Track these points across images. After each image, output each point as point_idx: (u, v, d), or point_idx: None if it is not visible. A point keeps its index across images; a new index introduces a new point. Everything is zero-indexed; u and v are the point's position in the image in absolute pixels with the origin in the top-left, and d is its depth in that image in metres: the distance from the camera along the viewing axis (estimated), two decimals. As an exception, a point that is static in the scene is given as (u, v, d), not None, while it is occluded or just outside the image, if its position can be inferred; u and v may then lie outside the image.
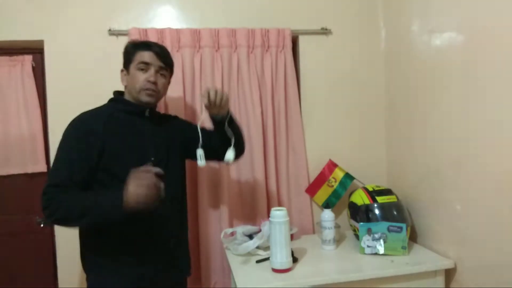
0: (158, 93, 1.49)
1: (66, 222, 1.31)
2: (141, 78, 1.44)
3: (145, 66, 1.45)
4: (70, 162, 1.31)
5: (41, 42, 1.89)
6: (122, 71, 1.52)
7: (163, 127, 1.56)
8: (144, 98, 1.45)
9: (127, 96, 1.50)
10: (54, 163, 1.34)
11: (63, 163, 1.32)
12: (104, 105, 1.50)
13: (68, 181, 1.28)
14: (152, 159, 1.43)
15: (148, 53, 1.46)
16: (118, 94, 1.53)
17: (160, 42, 1.89)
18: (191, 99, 1.97)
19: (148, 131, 1.47)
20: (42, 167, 1.98)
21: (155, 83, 1.45)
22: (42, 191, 1.27)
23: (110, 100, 1.51)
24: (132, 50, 1.48)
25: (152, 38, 1.89)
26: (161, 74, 1.49)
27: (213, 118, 1.55)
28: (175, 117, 1.71)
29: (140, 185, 1.21)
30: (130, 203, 1.20)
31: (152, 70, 1.45)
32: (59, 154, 1.34)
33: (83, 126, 1.38)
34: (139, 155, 1.41)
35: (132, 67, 1.46)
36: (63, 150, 1.35)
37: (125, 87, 1.51)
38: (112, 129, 1.39)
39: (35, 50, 1.98)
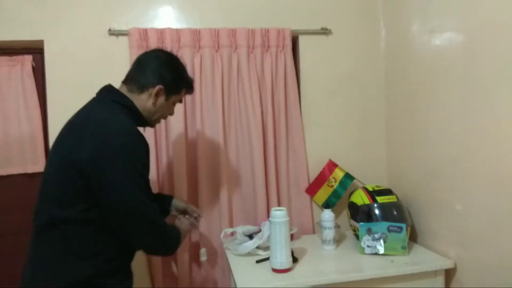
0: None
1: (163, 246, 1.31)
2: (169, 110, 1.44)
3: (178, 103, 1.46)
4: (146, 181, 1.24)
5: (41, 42, 1.89)
6: (162, 89, 1.33)
7: None
8: (154, 125, 1.44)
9: (138, 107, 1.32)
10: (137, 185, 1.16)
11: (146, 185, 1.23)
12: (122, 111, 1.26)
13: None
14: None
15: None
16: (123, 97, 1.31)
17: (160, 42, 1.90)
18: (191, 99, 1.96)
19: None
20: (42, 167, 1.94)
21: None
22: (150, 221, 1.20)
23: (124, 106, 1.28)
24: (186, 85, 1.43)
25: (152, 38, 1.89)
26: None
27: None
28: None
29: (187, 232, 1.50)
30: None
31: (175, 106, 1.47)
32: (140, 176, 1.18)
33: (144, 142, 1.22)
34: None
35: (174, 98, 1.40)
36: (141, 171, 1.20)
37: (142, 98, 1.32)
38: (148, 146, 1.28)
39: (35, 50, 1.97)
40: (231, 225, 1.95)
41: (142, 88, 1.31)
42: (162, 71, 1.33)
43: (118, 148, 1.14)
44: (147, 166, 1.24)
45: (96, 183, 1.12)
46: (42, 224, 1.18)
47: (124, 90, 1.32)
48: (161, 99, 1.35)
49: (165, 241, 1.29)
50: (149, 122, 1.39)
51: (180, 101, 1.47)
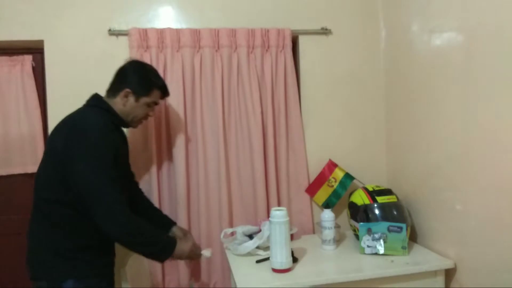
0: None
1: (126, 239, 1.39)
2: (144, 112, 1.58)
3: (154, 105, 1.60)
4: (115, 174, 1.37)
5: (41, 42, 1.89)
6: (129, 92, 1.51)
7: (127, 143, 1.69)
8: (135, 125, 1.61)
9: (116, 110, 1.51)
10: (100, 173, 1.32)
11: (111, 175, 1.35)
12: (98, 112, 1.45)
13: (123, 196, 1.38)
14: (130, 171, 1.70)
15: (163, 96, 1.64)
16: (102, 101, 1.51)
17: (160, 42, 1.90)
18: (191, 99, 1.96)
19: (125, 145, 1.64)
20: (42, 167, 1.98)
21: None
22: (109, 208, 1.32)
23: (102, 108, 1.48)
24: (156, 87, 1.57)
25: (152, 38, 1.89)
26: None
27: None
28: None
29: (188, 254, 1.53)
30: (173, 255, 1.47)
31: (154, 108, 1.63)
32: (104, 161, 1.34)
33: (111, 136, 1.42)
34: (125, 166, 1.59)
35: (144, 100, 1.55)
36: (105, 160, 1.35)
37: (116, 101, 1.51)
38: (118, 141, 1.47)
39: (35, 50, 1.97)
40: (231, 225, 1.95)
41: (115, 93, 1.53)
42: (129, 76, 1.54)
43: (86, 141, 1.34)
44: (113, 160, 1.38)
45: (69, 170, 1.33)
46: (33, 206, 1.42)
47: (105, 97, 1.54)
48: (131, 100, 1.53)
49: (129, 232, 1.37)
50: (128, 123, 1.57)
51: (155, 103, 1.61)
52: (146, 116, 1.61)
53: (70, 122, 1.41)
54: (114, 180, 1.36)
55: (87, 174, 1.31)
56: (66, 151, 1.32)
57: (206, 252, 1.63)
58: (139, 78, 1.54)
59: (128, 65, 1.59)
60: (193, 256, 1.60)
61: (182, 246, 1.52)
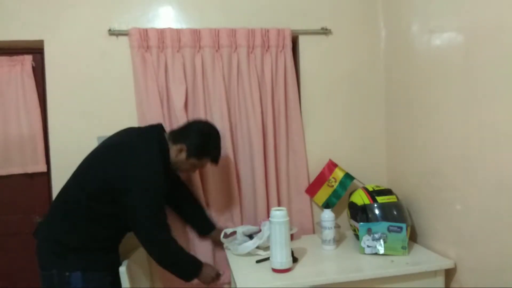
0: None
1: (160, 260, 1.57)
2: (189, 169, 1.72)
3: (199, 167, 1.76)
4: (162, 201, 1.57)
5: (41, 42, 1.89)
6: (184, 149, 1.63)
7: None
8: (175, 172, 1.74)
9: (170, 152, 1.65)
10: (149, 199, 1.50)
11: (159, 203, 1.55)
12: (160, 149, 1.59)
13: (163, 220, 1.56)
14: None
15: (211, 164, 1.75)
16: (164, 139, 1.65)
17: (160, 42, 1.90)
18: (192, 99, 1.96)
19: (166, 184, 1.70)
20: (42, 167, 1.98)
21: None
22: (149, 232, 1.51)
23: (160, 146, 1.60)
24: (208, 156, 1.70)
25: (153, 38, 1.89)
26: None
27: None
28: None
29: (211, 279, 1.66)
30: (198, 277, 1.63)
31: (197, 169, 1.80)
32: (154, 194, 1.51)
33: (162, 171, 1.55)
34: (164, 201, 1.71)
35: (193, 161, 1.67)
36: (156, 191, 1.53)
37: (172, 149, 1.64)
38: (164, 178, 1.59)
39: (35, 50, 1.97)
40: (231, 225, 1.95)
41: (174, 142, 1.66)
42: (192, 136, 1.65)
43: (143, 168, 1.51)
44: (162, 193, 1.56)
45: (120, 197, 1.48)
46: (59, 200, 1.58)
47: (167, 136, 1.68)
48: (182, 155, 1.65)
49: (161, 253, 1.56)
50: (171, 167, 1.67)
51: (202, 167, 1.77)
52: (188, 172, 1.78)
53: (132, 149, 1.56)
54: (160, 205, 1.54)
55: (138, 198, 1.48)
56: (122, 172, 1.48)
57: None
58: (198, 142, 1.65)
59: (197, 124, 1.72)
60: (216, 279, 1.71)
61: (208, 271, 1.66)
